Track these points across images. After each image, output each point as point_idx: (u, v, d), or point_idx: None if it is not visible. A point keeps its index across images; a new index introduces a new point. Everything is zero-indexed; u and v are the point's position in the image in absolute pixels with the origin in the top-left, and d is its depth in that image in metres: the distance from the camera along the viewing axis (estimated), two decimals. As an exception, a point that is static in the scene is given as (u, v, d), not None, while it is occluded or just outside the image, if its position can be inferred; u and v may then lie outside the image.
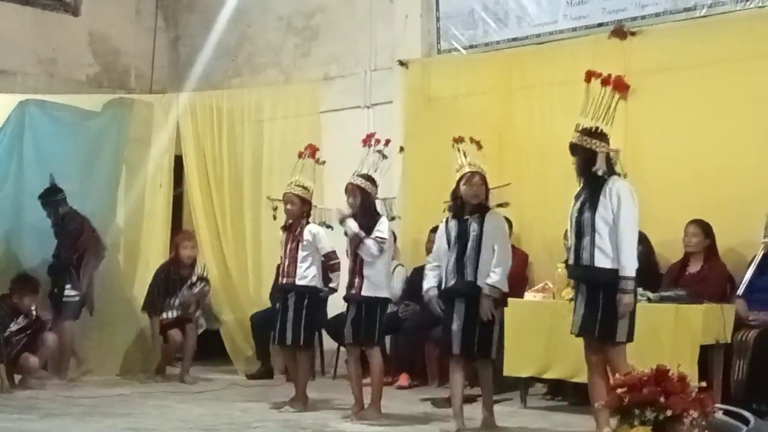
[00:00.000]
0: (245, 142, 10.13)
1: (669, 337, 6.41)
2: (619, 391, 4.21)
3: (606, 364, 5.55)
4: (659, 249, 7.57)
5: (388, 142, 7.06)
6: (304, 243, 7.22)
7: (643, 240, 7.49)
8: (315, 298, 7.31)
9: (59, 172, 9.07)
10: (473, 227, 6.30)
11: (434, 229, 8.64)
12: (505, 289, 6.33)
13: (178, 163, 10.08)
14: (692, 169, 7.65)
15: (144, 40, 11.23)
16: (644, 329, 6.02)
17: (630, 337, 5.54)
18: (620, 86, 5.75)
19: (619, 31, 8.08)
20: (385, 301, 6.97)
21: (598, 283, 5.56)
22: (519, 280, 8.25)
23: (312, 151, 7.40)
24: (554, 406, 7.45)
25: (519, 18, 9.04)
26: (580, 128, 5.70)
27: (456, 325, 6.26)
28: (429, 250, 8.75)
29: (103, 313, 9.25)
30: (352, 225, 6.76)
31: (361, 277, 6.78)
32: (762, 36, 7.43)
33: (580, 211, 5.67)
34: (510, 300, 7.17)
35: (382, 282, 6.85)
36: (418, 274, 8.89)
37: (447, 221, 6.49)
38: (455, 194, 6.42)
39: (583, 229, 5.63)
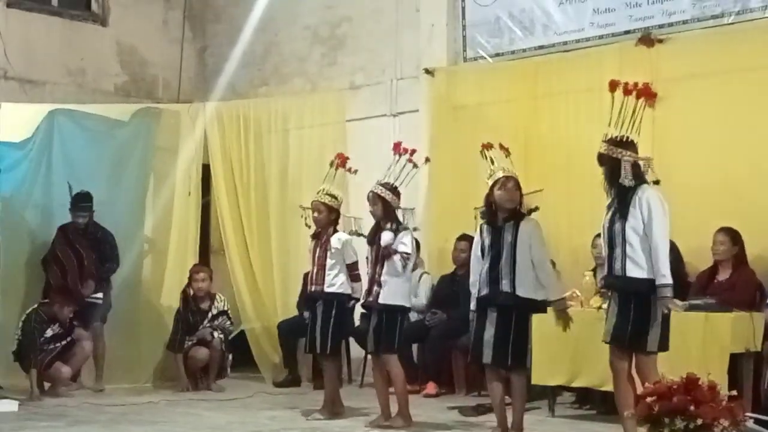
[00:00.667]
0: (272, 151, 10.17)
1: (698, 345, 6.37)
2: (648, 399, 4.19)
3: (632, 372, 5.52)
4: (688, 257, 7.52)
5: (413, 152, 7.04)
6: (332, 251, 7.23)
7: (672, 248, 7.43)
8: (342, 306, 7.32)
9: (87, 180, 9.15)
10: (507, 234, 6.18)
11: (461, 238, 8.70)
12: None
13: (206, 171, 10.13)
14: (720, 176, 7.61)
15: (171, 50, 11.31)
16: (673, 338, 5.97)
17: (664, 347, 5.51)
18: (647, 94, 5.72)
19: (646, 39, 8.06)
20: (404, 310, 6.96)
21: (630, 293, 5.54)
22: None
23: (342, 160, 7.39)
24: (582, 414, 7.42)
25: (545, 26, 9.03)
26: (607, 138, 5.68)
27: (488, 334, 6.14)
28: (455, 259, 8.80)
29: (131, 322, 9.31)
30: (387, 237, 6.75)
31: (380, 285, 6.78)
32: (791, 43, 7.40)
33: (612, 222, 5.65)
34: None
35: (401, 290, 6.83)
36: (444, 282, 8.92)
37: (480, 229, 6.37)
38: (489, 200, 6.29)
39: (614, 240, 5.61)
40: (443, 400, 8.09)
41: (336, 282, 7.24)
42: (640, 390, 4.86)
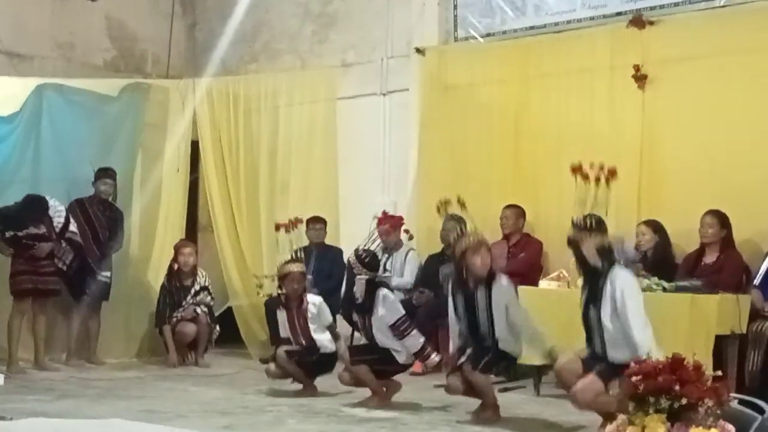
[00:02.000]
0: (261, 128, 10.14)
1: (684, 327, 6.40)
2: (634, 379, 4.21)
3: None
4: (675, 239, 7.56)
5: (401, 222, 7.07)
6: (310, 316, 7.45)
7: (659, 230, 7.52)
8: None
9: (75, 155, 9.11)
10: (481, 300, 6.22)
11: (449, 218, 8.70)
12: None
13: (194, 148, 10.10)
14: (709, 159, 7.63)
15: (161, 25, 11.24)
16: (659, 319, 6.01)
17: None
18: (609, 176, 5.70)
19: (638, 21, 8.04)
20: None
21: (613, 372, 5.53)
22: (534, 268, 8.27)
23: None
24: (567, 394, 7.43)
25: (537, 6, 9.02)
26: (573, 221, 5.67)
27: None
28: (443, 239, 8.80)
29: (119, 297, 9.29)
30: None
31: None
32: (782, 26, 7.41)
33: (587, 306, 5.67)
34: (525, 288, 7.19)
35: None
36: (432, 261, 8.92)
37: (452, 290, 6.40)
38: (459, 266, 6.27)
39: (591, 325, 5.65)
40: (429, 378, 8.10)
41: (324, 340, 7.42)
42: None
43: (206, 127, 10.09)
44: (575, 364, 5.68)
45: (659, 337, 5.73)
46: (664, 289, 6.63)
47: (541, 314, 6.86)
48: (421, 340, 6.92)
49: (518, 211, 8.50)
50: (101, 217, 8.99)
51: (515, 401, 6.87)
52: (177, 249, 9.31)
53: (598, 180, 5.69)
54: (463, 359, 6.25)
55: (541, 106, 8.63)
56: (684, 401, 4.10)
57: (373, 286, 6.88)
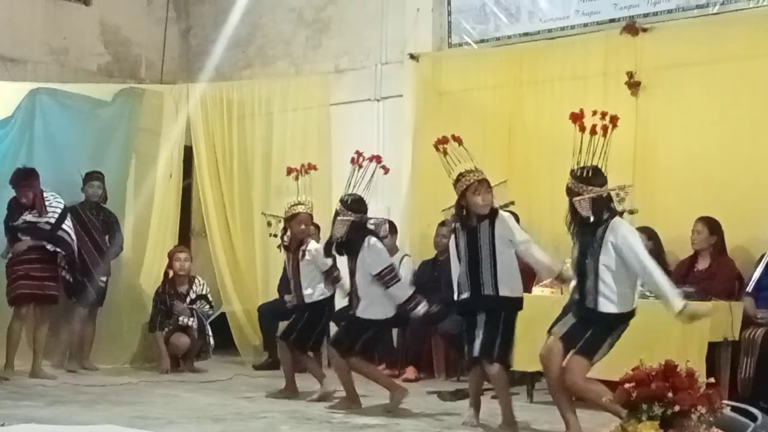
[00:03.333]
0: (255, 134, 10.15)
1: (677, 333, 6.38)
2: (627, 386, 4.22)
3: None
4: (669, 246, 7.57)
5: (379, 158, 6.99)
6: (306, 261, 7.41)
7: (652, 236, 7.53)
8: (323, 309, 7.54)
9: (69, 160, 9.09)
10: (484, 234, 6.07)
11: (443, 223, 8.69)
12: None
13: (188, 153, 10.10)
14: (702, 166, 7.65)
15: (155, 30, 11.25)
16: (652, 325, 6.04)
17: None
18: (607, 127, 5.58)
19: (631, 27, 8.07)
20: (382, 323, 7.00)
21: (601, 325, 5.56)
22: (526, 275, 8.26)
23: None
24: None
25: (531, 13, 9.04)
26: (571, 171, 5.63)
27: (478, 333, 6.08)
28: (437, 244, 8.81)
29: (111, 303, 9.27)
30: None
31: (359, 298, 6.84)
32: (774, 34, 7.43)
33: (582, 255, 5.61)
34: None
35: (381, 302, 6.83)
36: (425, 267, 8.93)
37: (454, 230, 6.26)
38: (460, 203, 6.14)
39: (586, 272, 5.58)
40: (423, 384, 8.11)
41: (315, 292, 7.35)
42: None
43: (200, 132, 10.09)
44: (555, 347, 5.63)
45: (652, 344, 5.75)
46: (657, 297, 6.61)
47: (534, 320, 6.86)
48: (410, 291, 6.85)
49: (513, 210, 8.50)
50: (96, 222, 8.98)
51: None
52: (171, 255, 9.31)
53: (594, 130, 5.55)
54: (476, 351, 6.08)
55: (534, 112, 8.65)
56: (677, 408, 4.12)
57: (360, 230, 6.80)
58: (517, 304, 6.18)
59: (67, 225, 8.47)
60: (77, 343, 8.93)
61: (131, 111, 9.78)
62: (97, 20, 10.86)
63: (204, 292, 9.30)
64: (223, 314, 9.77)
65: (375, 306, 6.81)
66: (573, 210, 5.62)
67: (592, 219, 5.53)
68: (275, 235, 7.59)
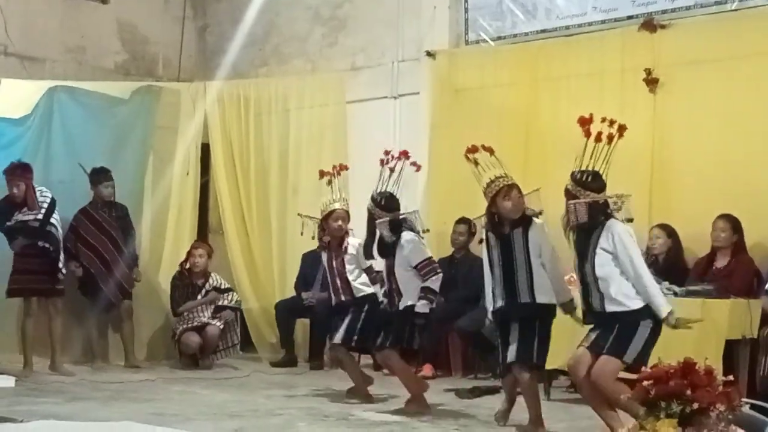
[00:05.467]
0: (272, 131, 10.16)
1: (695, 331, 6.32)
2: (645, 383, 4.20)
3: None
4: (687, 243, 7.54)
5: (407, 155, 6.90)
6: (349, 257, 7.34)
7: (671, 234, 7.51)
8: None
9: (86, 158, 9.11)
10: (518, 242, 5.99)
11: (459, 221, 8.72)
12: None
13: (205, 151, 10.13)
14: (721, 162, 7.61)
15: (172, 28, 11.27)
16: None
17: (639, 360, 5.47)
18: (613, 136, 5.54)
19: (649, 24, 8.04)
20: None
21: (611, 326, 5.52)
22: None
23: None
24: (577, 398, 7.39)
25: (548, 10, 9.01)
26: (572, 175, 5.61)
27: (513, 339, 6.02)
28: (453, 242, 8.80)
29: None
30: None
31: (399, 293, 6.78)
32: (793, 30, 7.39)
33: (581, 260, 5.60)
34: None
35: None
36: (442, 265, 8.83)
37: (486, 239, 6.17)
38: (491, 210, 6.06)
39: (587, 279, 5.57)
40: (440, 382, 8.10)
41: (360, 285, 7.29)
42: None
43: (217, 130, 10.11)
44: (584, 356, 5.58)
45: (670, 341, 5.72)
46: (675, 294, 6.60)
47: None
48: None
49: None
50: (110, 220, 9.00)
51: (525, 406, 6.84)
52: (189, 250, 9.36)
53: (599, 138, 5.53)
54: (512, 356, 6.00)
55: (551, 109, 8.61)
56: (695, 406, 4.10)
57: (395, 228, 6.74)
58: (553, 310, 6.11)
59: (55, 218, 8.47)
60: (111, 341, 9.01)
61: (148, 109, 9.81)
62: (114, 18, 10.89)
63: (219, 285, 9.34)
64: (240, 312, 9.79)
65: (416, 296, 6.70)
66: (569, 213, 5.61)
67: (583, 222, 5.52)
68: (302, 233, 7.54)
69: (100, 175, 8.93)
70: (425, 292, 6.64)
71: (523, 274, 5.99)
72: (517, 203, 6.00)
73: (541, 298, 6.01)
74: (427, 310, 6.67)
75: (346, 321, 7.24)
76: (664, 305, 5.44)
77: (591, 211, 5.50)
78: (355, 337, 7.21)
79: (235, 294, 9.45)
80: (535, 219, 6.08)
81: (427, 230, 7.24)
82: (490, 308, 6.16)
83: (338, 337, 7.28)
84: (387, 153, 6.91)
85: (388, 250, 6.76)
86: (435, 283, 6.68)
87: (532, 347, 5.98)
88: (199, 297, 9.23)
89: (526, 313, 6.00)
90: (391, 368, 7.01)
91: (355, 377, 7.37)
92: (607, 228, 5.50)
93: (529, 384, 6.08)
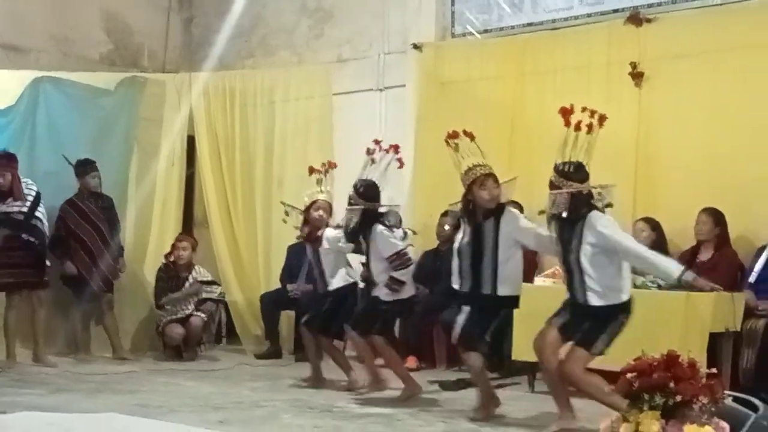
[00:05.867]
0: (257, 123, 10.13)
1: (679, 324, 6.40)
2: (629, 376, 4.21)
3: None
4: (672, 236, 7.57)
5: (397, 148, 6.94)
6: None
7: (656, 227, 7.53)
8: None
9: (71, 149, 9.08)
10: (488, 231, 6.04)
11: (445, 213, 8.71)
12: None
13: (190, 143, 10.10)
14: (705, 156, 7.64)
15: (157, 19, 11.22)
16: (654, 316, 6.05)
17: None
18: (593, 125, 5.57)
19: (635, 18, 8.06)
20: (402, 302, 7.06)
21: (590, 317, 5.59)
22: (529, 265, 8.26)
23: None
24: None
25: (534, 3, 9.02)
26: (555, 166, 5.65)
27: (463, 318, 6.14)
28: (439, 234, 8.80)
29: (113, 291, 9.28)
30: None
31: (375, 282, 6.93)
32: (777, 24, 7.42)
33: (565, 251, 5.64)
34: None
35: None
36: (427, 257, 8.92)
37: (461, 223, 6.24)
38: (467, 198, 6.11)
39: (571, 268, 5.62)
40: (424, 374, 8.11)
41: (337, 279, 7.36)
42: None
43: (202, 122, 10.09)
44: (552, 335, 5.67)
45: (653, 334, 5.75)
46: (659, 287, 6.62)
47: (536, 310, 6.86)
48: (410, 284, 6.96)
49: (515, 208, 8.48)
50: (97, 211, 8.96)
51: (510, 397, 6.87)
52: (174, 243, 9.35)
53: (579, 127, 5.55)
54: (456, 331, 6.12)
55: (537, 102, 8.62)
56: (679, 398, 4.10)
57: (371, 218, 6.82)
58: (514, 302, 6.19)
59: (40, 212, 8.43)
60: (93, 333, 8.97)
61: (133, 100, 9.78)
62: (99, 9, 10.83)
63: (207, 278, 9.31)
64: (224, 304, 9.77)
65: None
66: (551, 203, 5.65)
67: (564, 215, 5.55)
68: (287, 214, 7.55)
69: (86, 167, 8.89)
70: (390, 281, 6.78)
71: (489, 266, 6.05)
72: (492, 193, 6.04)
73: (503, 290, 6.08)
74: (390, 299, 6.82)
75: (320, 306, 7.43)
76: (674, 267, 5.55)
77: (573, 201, 5.54)
78: (318, 321, 7.41)
79: (218, 287, 9.42)
80: (509, 208, 6.13)
81: (414, 232, 7.29)
82: (456, 286, 6.22)
83: (304, 318, 7.55)
84: (377, 143, 6.93)
85: (355, 238, 6.86)
86: (403, 276, 6.82)
87: (474, 329, 6.07)
88: (183, 289, 9.20)
89: (486, 303, 6.10)
90: (384, 357, 7.10)
91: (312, 362, 7.56)
92: (589, 220, 5.54)
93: (472, 367, 6.19)
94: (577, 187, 5.55)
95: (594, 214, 5.55)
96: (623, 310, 5.57)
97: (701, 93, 7.73)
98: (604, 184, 5.63)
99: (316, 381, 7.54)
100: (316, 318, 7.47)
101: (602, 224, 5.52)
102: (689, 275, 5.52)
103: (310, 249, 7.48)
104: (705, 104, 7.70)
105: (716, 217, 7.33)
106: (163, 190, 9.84)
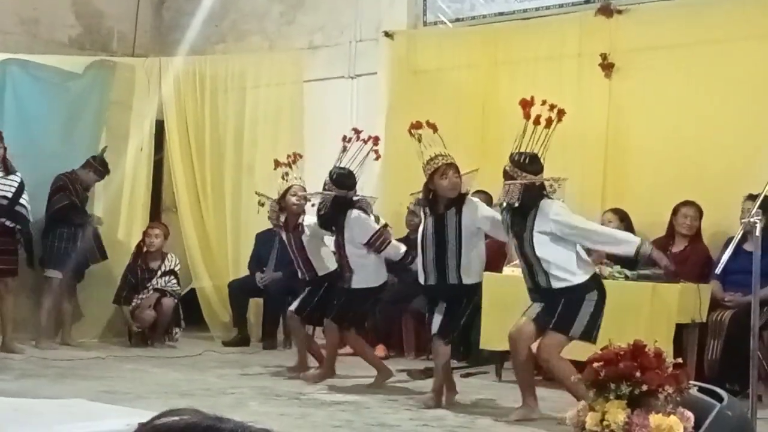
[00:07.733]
0: (228, 109, 10.07)
1: (645, 315, 6.45)
2: (595, 365, 4.23)
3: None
4: (640, 227, 7.59)
5: (377, 140, 6.96)
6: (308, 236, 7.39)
7: (624, 218, 7.56)
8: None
9: (39, 132, 8.99)
10: (451, 221, 6.08)
11: (416, 202, 8.69)
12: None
13: (160, 128, 10.02)
14: (675, 148, 7.68)
15: (127, 2, 11.10)
16: (621, 306, 6.08)
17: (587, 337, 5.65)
18: (552, 120, 5.64)
19: (606, 9, 8.07)
20: (375, 290, 7.11)
21: (559, 301, 5.65)
22: (497, 254, 8.28)
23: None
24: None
25: (506, -8, 9.01)
26: (510, 156, 5.72)
27: (439, 315, 6.20)
28: (408, 223, 8.80)
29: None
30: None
31: (350, 270, 6.92)
32: (748, 18, 7.46)
33: (519, 242, 5.70)
34: (487, 274, 7.19)
35: (371, 271, 6.97)
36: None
37: (424, 214, 6.29)
38: (428, 188, 6.14)
39: (529, 258, 5.70)
40: (392, 362, 8.09)
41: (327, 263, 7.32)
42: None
43: (172, 106, 10.01)
44: (527, 327, 5.71)
45: (620, 324, 5.79)
46: (626, 278, 6.67)
47: (504, 300, 6.90)
48: (402, 249, 6.93)
49: (485, 198, 8.51)
50: (80, 195, 8.96)
51: (477, 386, 6.90)
52: (146, 230, 9.28)
53: (538, 121, 5.61)
54: (435, 328, 6.17)
55: (508, 92, 8.58)
56: (644, 388, 4.14)
57: (343, 205, 6.81)
58: (479, 289, 6.27)
59: (24, 199, 8.37)
60: (54, 319, 8.86)
61: (102, 84, 9.70)
62: (68, -9, 10.72)
63: (174, 268, 9.25)
64: (192, 290, 9.73)
65: (368, 275, 6.88)
66: (504, 193, 5.72)
67: (516, 204, 5.61)
68: (262, 204, 7.51)
69: (102, 165, 9.03)
70: (407, 257, 6.89)
71: (453, 256, 6.10)
72: (453, 183, 6.07)
73: (467, 279, 6.13)
74: (362, 287, 6.91)
75: (305, 293, 7.39)
76: (632, 240, 5.70)
77: (526, 192, 5.59)
78: (308, 309, 7.35)
79: (172, 278, 9.30)
80: (470, 197, 6.17)
81: (386, 225, 7.29)
82: (421, 281, 6.27)
83: (293, 306, 7.46)
84: (356, 132, 6.93)
85: (328, 224, 6.85)
86: (392, 249, 6.87)
87: (455, 324, 6.15)
88: (154, 280, 9.12)
89: (453, 293, 6.14)
90: (357, 350, 7.17)
91: (300, 349, 7.52)
92: (540, 209, 5.61)
93: (443, 357, 6.23)
94: (531, 179, 5.60)
95: (545, 202, 5.63)
96: (590, 288, 5.60)
97: (671, 85, 7.76)
98: (557, 177, 5.68)
99: (302, 370, 7.39)
100: (306, 306, 7.36)
101: (555, 212, 5.59)
102: (647, 247, 5.64)
103: (291, 237, 7.38)
104: (675, 96, 7.74)
105: (700, 212, 7.38)
106: (132, 175, 9.76)
